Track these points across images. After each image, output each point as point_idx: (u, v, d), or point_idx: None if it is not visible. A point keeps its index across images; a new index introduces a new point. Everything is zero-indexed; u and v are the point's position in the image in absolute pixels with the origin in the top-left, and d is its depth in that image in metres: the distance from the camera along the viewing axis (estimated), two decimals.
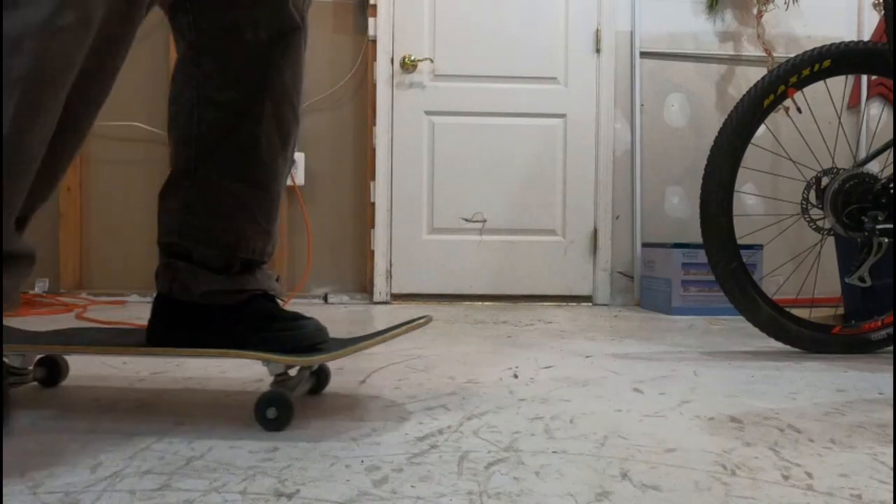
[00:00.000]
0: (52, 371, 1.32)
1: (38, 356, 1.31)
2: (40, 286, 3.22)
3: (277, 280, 1.25)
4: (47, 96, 0.83)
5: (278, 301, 1.21)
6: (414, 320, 1.20)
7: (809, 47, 2.01)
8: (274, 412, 1.05)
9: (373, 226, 3.34)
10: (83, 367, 1.49)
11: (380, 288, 3.32)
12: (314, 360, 1.11)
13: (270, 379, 1.13)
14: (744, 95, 1.86)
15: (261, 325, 1.12)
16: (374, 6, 3.31)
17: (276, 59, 1.16)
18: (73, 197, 3.26)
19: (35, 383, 1.31)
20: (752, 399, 1.32)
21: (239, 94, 1.14)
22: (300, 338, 1.12)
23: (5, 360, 1.21)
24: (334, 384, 1.39)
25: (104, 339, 1.22)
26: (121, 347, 1.14)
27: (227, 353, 1.10)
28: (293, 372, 1.17)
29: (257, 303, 1.16)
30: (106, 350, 1.14)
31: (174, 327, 1.15)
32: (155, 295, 1.19)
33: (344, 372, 1.52)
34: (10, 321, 1.93)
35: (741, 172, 1.91)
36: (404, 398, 1.29)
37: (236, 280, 1.16)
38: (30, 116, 0.81)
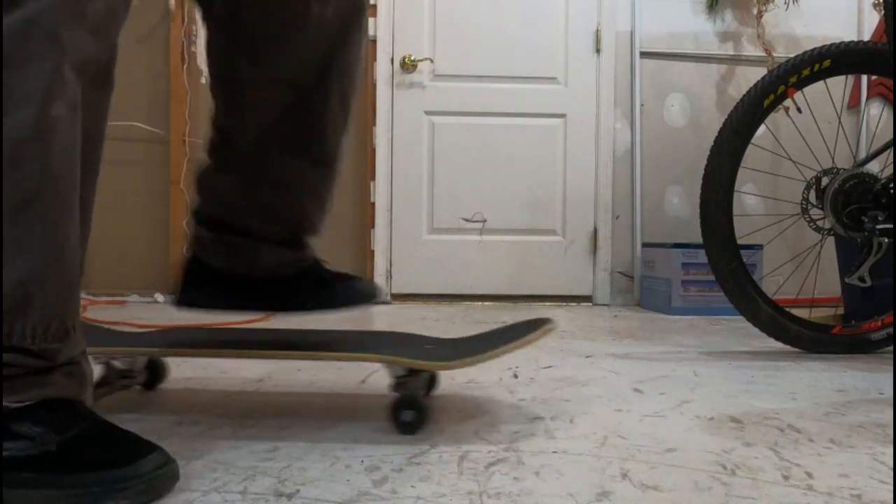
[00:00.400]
0: (154, 373, 1.31)
1: (146, 359, 1.28)
2: None
3: None
4: (64, 191, 0.79)
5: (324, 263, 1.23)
6: (540, 324, 1.15)
7: (809, 47, 2.01)
8: (412, 415, 1.04)
9: (373, 226, 3.34)
10: None
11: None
12: (445, 365, 1.07)
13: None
14: (744, 95, 1.86)
15: (320, 284, 1.16)
16: (374, 6, 3.30)
17: (343, 34, 1.12)
18: None
19: (138, 386, 1.30)
20: (752, 399, 1.32)
21: (305, 71, 1.11)
22: (356, 295, 1.15)
23: (115, 363, 1.22)
24: (334, 384, 1.39)
25: (216, 341, 1.22)
26: (247, 350, 1.14)
27: (352, 356, 1.11)
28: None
29: (313, 268, 1.19)
30: (236, 352, 1.14)
31: (229, 294, 1.15)
32: (189, 261, 1.17)
33: (344, 372, 1.52)
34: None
35: (741, 172, 1.91)
36: None
37: (298, 251, 1.18)
38: (70, 216, 0.79)
